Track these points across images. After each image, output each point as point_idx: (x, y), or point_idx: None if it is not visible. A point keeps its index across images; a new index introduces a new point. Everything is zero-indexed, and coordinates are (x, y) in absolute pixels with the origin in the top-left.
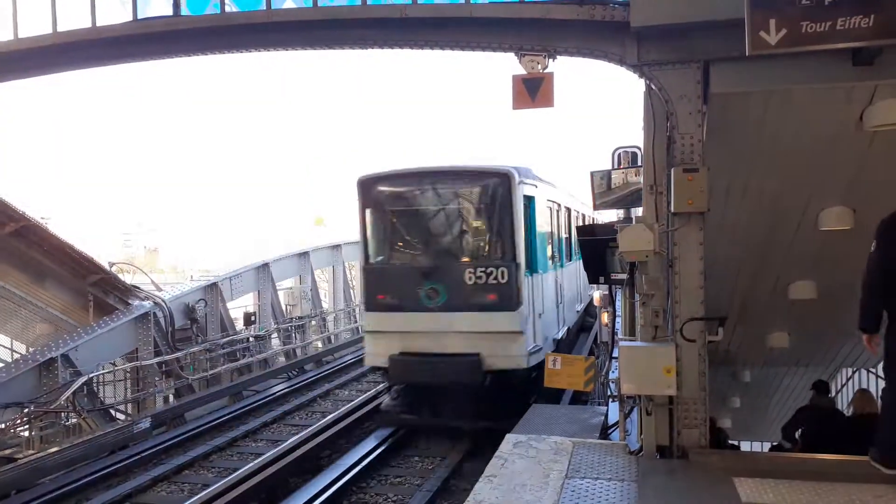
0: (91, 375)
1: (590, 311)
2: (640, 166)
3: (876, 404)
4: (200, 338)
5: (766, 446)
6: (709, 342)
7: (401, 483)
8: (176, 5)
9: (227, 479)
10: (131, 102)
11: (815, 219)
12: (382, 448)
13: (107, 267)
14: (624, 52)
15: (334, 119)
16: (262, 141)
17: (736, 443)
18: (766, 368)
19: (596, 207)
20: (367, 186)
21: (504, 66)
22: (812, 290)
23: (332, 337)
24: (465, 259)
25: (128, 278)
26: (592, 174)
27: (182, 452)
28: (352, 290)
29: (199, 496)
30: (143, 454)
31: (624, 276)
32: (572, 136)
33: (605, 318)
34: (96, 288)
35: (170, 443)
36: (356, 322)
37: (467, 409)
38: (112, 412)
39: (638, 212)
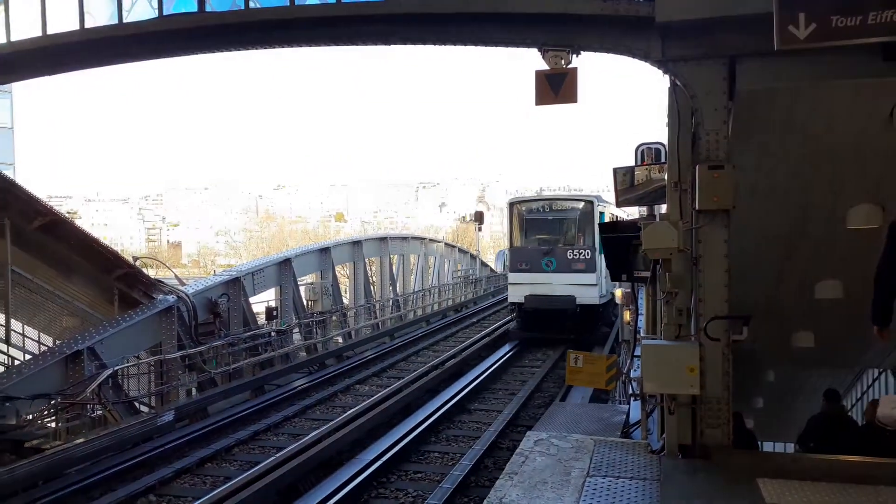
0: (116, 368)
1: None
2: (664, 163)
3: None
4: (223, 332)
5: (790, 447)
6: (733, 341)
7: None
8: (201, 2)
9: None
10: (162, 96)
11: (843, 217)
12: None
13: (131, 261)
14: (648, 47)
15: (331, 119)
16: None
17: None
18: (790, 368)
19: (619, 204)
20: (513, 204)
21: (504, 66)
22: (839, 289)
23: (353, 332)
24: (567, 245)
25: (151, 272)
26: (615, 170)
27: (205, 445)
28: (372, 287)
29: (220, 489)
30: (166, 447)
31: (647, 274)
32: (578, 132)
33: (627, 316)
34: (121, 282)
35: (193, 436)
36: (377, 318)
37: (563, 328)
38: (136, 405)
39: (662, 209)
